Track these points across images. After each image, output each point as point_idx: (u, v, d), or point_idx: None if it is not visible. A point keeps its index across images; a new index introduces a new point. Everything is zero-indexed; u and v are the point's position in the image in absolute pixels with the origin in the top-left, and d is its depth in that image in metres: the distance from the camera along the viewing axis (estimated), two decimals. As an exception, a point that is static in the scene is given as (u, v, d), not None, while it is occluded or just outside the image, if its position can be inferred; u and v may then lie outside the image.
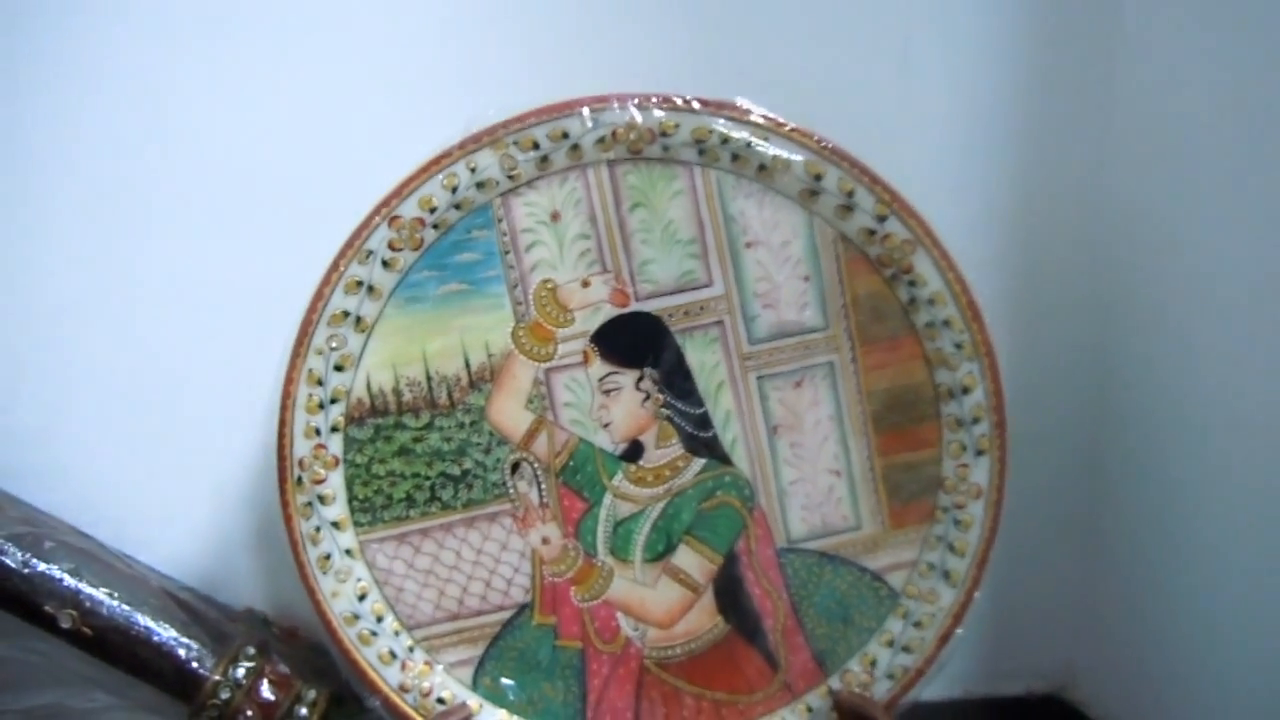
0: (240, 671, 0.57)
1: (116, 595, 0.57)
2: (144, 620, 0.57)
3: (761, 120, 0.49)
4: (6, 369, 0.60)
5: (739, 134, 0.49)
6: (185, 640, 0.57)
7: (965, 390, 0.51)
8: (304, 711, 0.58)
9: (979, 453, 0.51)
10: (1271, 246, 0.48)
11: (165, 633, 0.57)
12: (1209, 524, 0.54)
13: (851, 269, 0.51)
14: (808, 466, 0.53)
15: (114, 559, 0.60)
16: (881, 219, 0.50)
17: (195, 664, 0.57)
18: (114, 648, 0.57)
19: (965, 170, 0.58)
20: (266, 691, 0.58)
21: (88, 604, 0.56)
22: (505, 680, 0.53)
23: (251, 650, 0.58)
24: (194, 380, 0.61)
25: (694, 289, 0.52)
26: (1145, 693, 0.62)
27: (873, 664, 0.53)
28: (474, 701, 0.53)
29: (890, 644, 0.53)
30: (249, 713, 0.57)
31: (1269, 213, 0.48)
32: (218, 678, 0.57)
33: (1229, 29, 0.51)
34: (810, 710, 0.53)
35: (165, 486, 0.62)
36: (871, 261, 0.51)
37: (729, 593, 0.53)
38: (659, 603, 0.53)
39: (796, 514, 0.53)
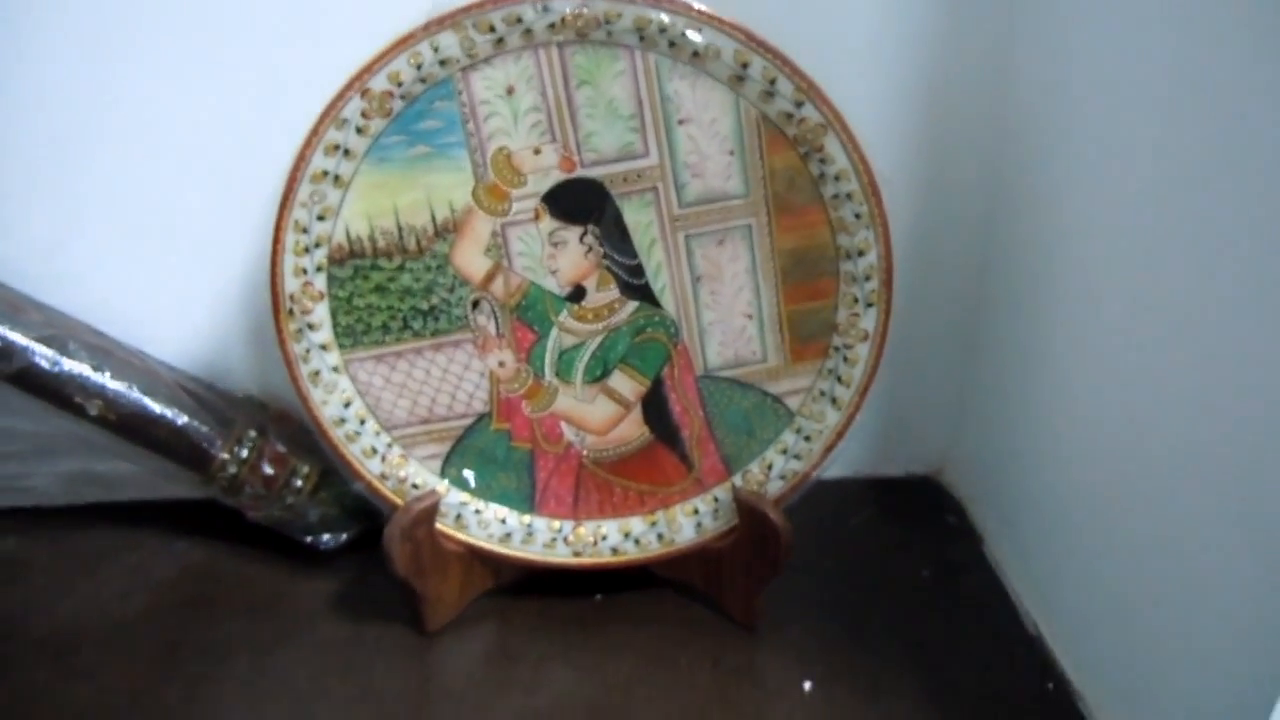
0: (244, 451, 0.75)
1: (134, 387, 0.74)
2: (159, 408, 0.74)
3: (696, 12, 0.60)
4: (22, 186, 0.73)
5: (676, 23, 0.60)
6: (195, 424, 0.75)
7: (860, 253, 0.66)
8: (299, 483, 0.77)
9: (869, 305, 0.67)
10: (1158, 139, 0.60)
11: (179, 419, 0.74)
12: (1065, 347, 0.71)
13: (771, 145, 0.64)
14: (724, 310, 0.68)
15: (129, 355, 0.76)
16: (799, 104, 0.62)
17: (205, 444, 0.75)
18: (135, 431, 0.74)
19: (879, 56, 0.70)
20: (267, 467, 0.76)
21: (110, 394, 0.73)
22: (467, 471, 0.71)
23: (253, 433, 0.76)
24: (195, 195, 0.75)
25: (632, 159, 0.65)
26: (1002, 479, 0.82)
27: (769, 467, 0.71)
28: (441, 486, 0.71)
29: (784, 452, 0.71)
30: (253, 484, 0.76)
31: (1157, 104, 0.60)
32: (225, 456, 0.75)
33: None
34: (717, 500, 0.73)
35: (171, 290, 0.78)
36: (789, 140, 0.64)
37: (654, 408, 0.71)
38: (596, 415, 0.71)
39: (714, 348, 0.69)
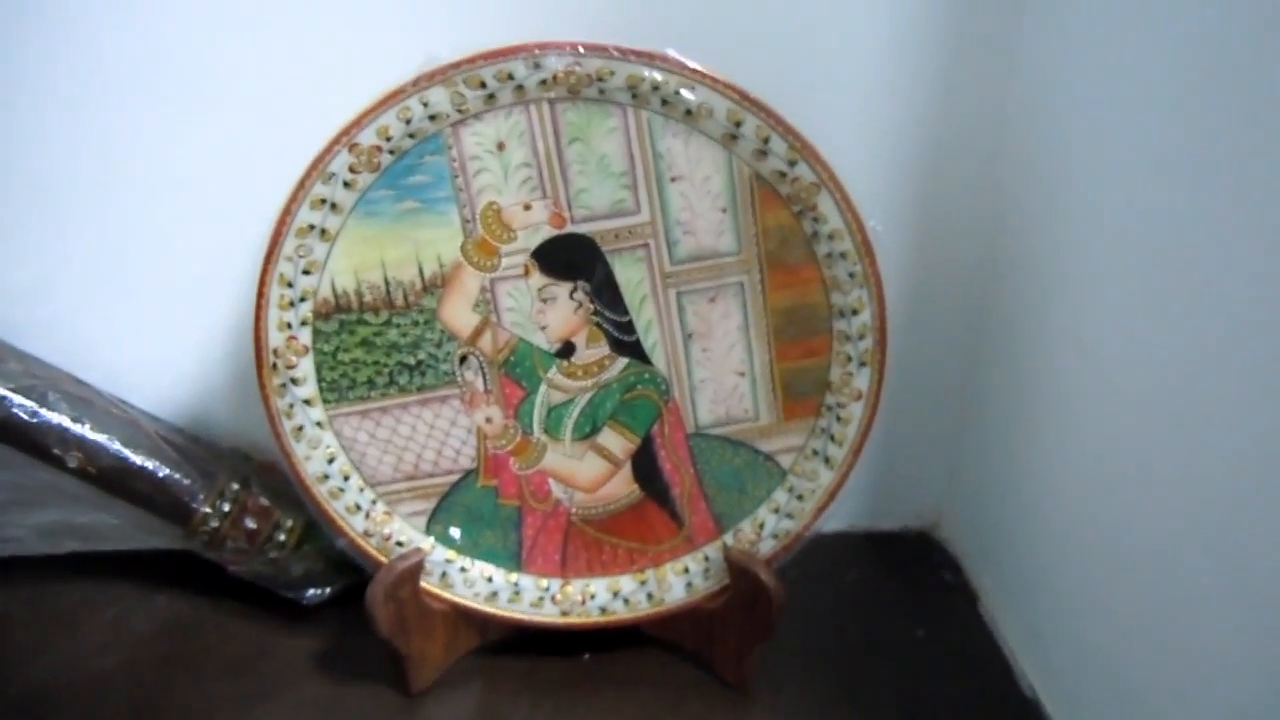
0: (226, 505, 0.74)
1: (114, 439, 0.73)
2: (139, 460, 0.73)
3: (689, 71, 0.59)
4: (3, 231, 0.72)
5: (669, 81, 0.60)
6: (176, 477, 0.74)
7: (854, 311, 0.65)
8: (282, 537, 0.76)
9: (862, 364, 0.66)
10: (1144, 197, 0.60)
11: (160, 471, 0.73)
12: (1059, 404, 0.70)
13: (764, 203, 0.64)
14: (716, 368, 0.67)
15: (110, 404, 0.75)
16: (792, 163, 0.62)
17: (186, 498, 0.74)
18: (115, 484, 0.73)
19: (872, 115, 0.70)
20: (249, 521, 0.75)
21: (90, 447, 0.72)
22: (453, 528, 0.70)
23: (235, 486, 0.75)
24: (180, 243, 0.75)
25: (623, 215, 0.64)
26: (996, 535, 0.81)
27: (761, 526, 0.70)
28: (426, 544, 0.70)
29: (776, 511, 0.70)
30: (234, 539, 0.74)
31: (1152, 169, 0.60)
32: (206, 509, 0.74)
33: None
34: (708, 559, 0.72)
35: (154, 339, 0.77)
36: (782, 198, 0.63)
37: (644, 466, 0.70)
38: (585, 473, 0.70)
39: (705, 406, 0.68)
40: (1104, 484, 0.67)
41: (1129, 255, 0.62)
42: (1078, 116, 0.65)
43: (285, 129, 0.65)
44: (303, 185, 0.61)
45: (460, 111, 0.61)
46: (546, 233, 0.65)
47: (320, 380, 0.67)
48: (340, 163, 0.61)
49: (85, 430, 0.72)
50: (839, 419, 0.68)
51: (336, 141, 0.61)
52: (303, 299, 0.65)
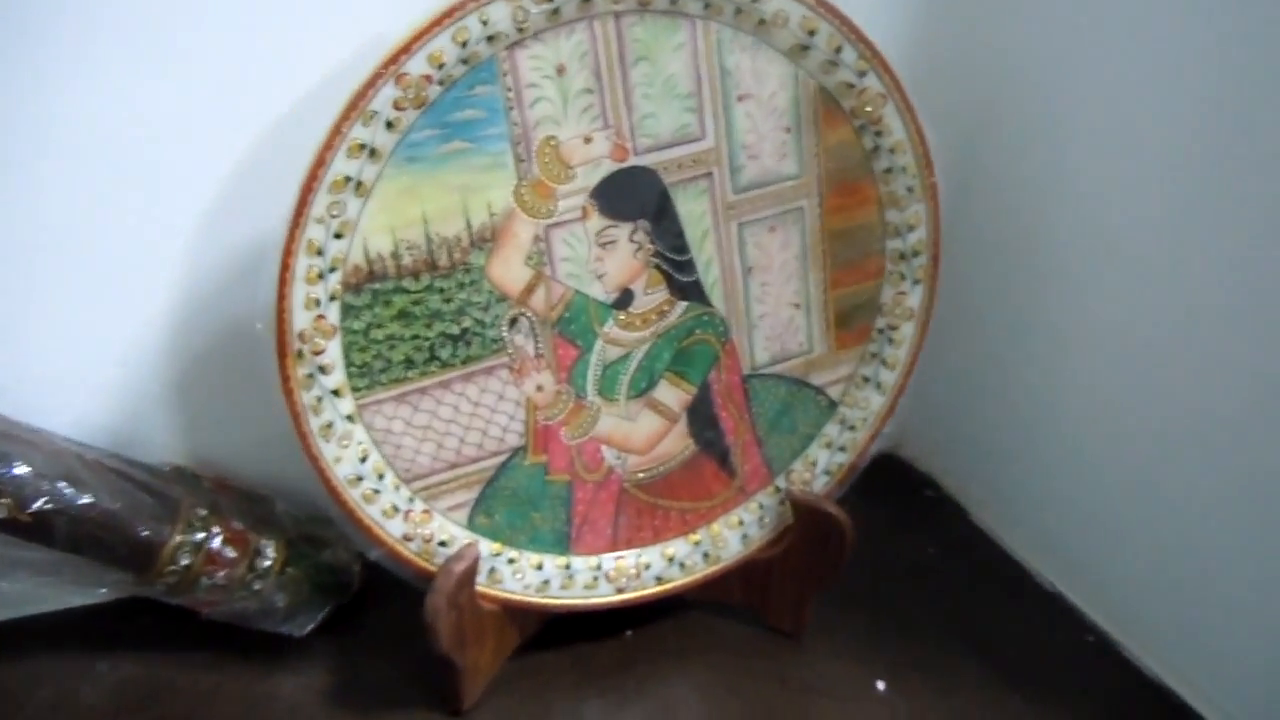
0: (197, 535, 0.62)
1: (45, 475, 0.58)
2: (82, 497, 0.59)
3: (766, -24, 0.55)
4: None
5: (745, -12, 0.55)
6: (129, 510, 0.60)
7: (911, 228, 0.64)
8: (266, 564, 0.64)
9: (916, 281, 0.65)
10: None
11: (108, 505, 0.59)
12: (1027, 330, 0.74)
13: (827, 120, 0.61)
14: (773, 301, 0.64)
15: (29, 435, 0.60)
16: (861, 74, 0.59)
17: (146, 533, 0.61)
18: (54, 530, 0.59)
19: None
20: (226, 550, 0.63)
21: (18, 490, 0.57)
22: (497, 518, 0.62)
23: (202, 511, 0.63)
24: (98, 214, 0.60)
25: (688, 142, 0.59)
26: (970, 446, 0.84)
27: (814, 464, 0.68)
28: (468, 538, 0.62)
29: (829, 446, 0.68)
30: (210, 574, 0.62)
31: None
32: (177, 540, 0.61)
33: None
34: (762, 507, 0.68)
35: (69, 349, 0.61)
36: (845, 113, 0.61)
37: (700, 417, 0.65)
38: (640, 433, 0.64)
39: (761, 344, 0.65)
40: (1072, 375, 0.71)
41: (1099, 154, 0.66)
42: (1076, 33, 0.67)
43: (240, 62, 0.54)
44: (339, 129, 0.51)
45: (520, 30, 0.53)
46: (606, 169, 0.58)
47: (349, 365, 0.56)
48: (384, 99, 0.51)
49: (10, 469, 0.57)
50: (890, 341, 0.67)
51: (382, 73, 0.51)
52: (332, 269, 0.54)
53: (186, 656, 0.66)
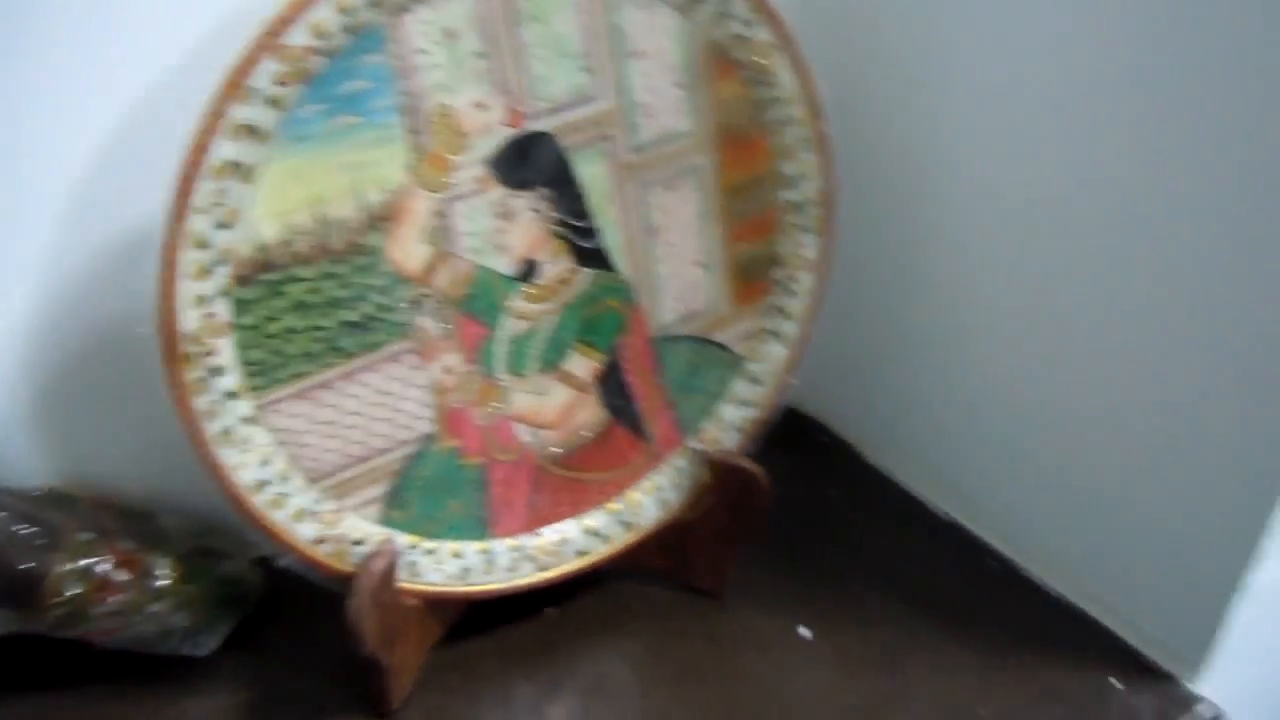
0: (83, 561, 0.56)
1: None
2: (-52, 535, 0.53)
3: (654, -73, 0.53)
4: None
5: (632, -59, 0.53)
6: (4, 542, 0.55)
7: (804, 178, 0.63)
8: (162, 584, 0.60)
9: (811, 232, 0.65)
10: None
11: (-19, 541, 0.53)
12: (911, 270, 0.76)
13: (719, 73, 0.59)
14: (676, 262, 0.63)
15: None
16: (751, 25, 0.58)
17: (27, 565, 0.55)
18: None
19: None
20: (118, 573, 0.58)
21: None
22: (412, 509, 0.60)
23: (86, 535, 0.58)
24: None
25: (584, 103, 0.57)
26: (856, 388, 0.85)
27: (724, 422, 0.68)
28: (382, 534, 0.59)
29: (737, 402, 0.68)
30: (101, 602, 0.57)
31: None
32: (62, 569, 0.56)
33: None
34: (677, 470, 0.68)
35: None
36: (735, 66, 0.60)
37: (610, 385, 0.64)
38: (552, 407, 0.62)
39: (668, 305, 0.64)
40: (962, 313, 0.74)
41: (981, 96, 0.67)
42: None
43: (87, 66, 0.50)
44: (218, 110, 0.46)
45: (404, -7, 0.50)
46: (502, 136, 0.55)
47: (245, 364, 0.52)
48: (265, 74, 0.47)
49: None
50: (790, 292, 0.67)
51: (261, 46, 0.46)
52: (220, 262, 0.50)
53: (82, 691, 0.60)
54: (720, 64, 0.60)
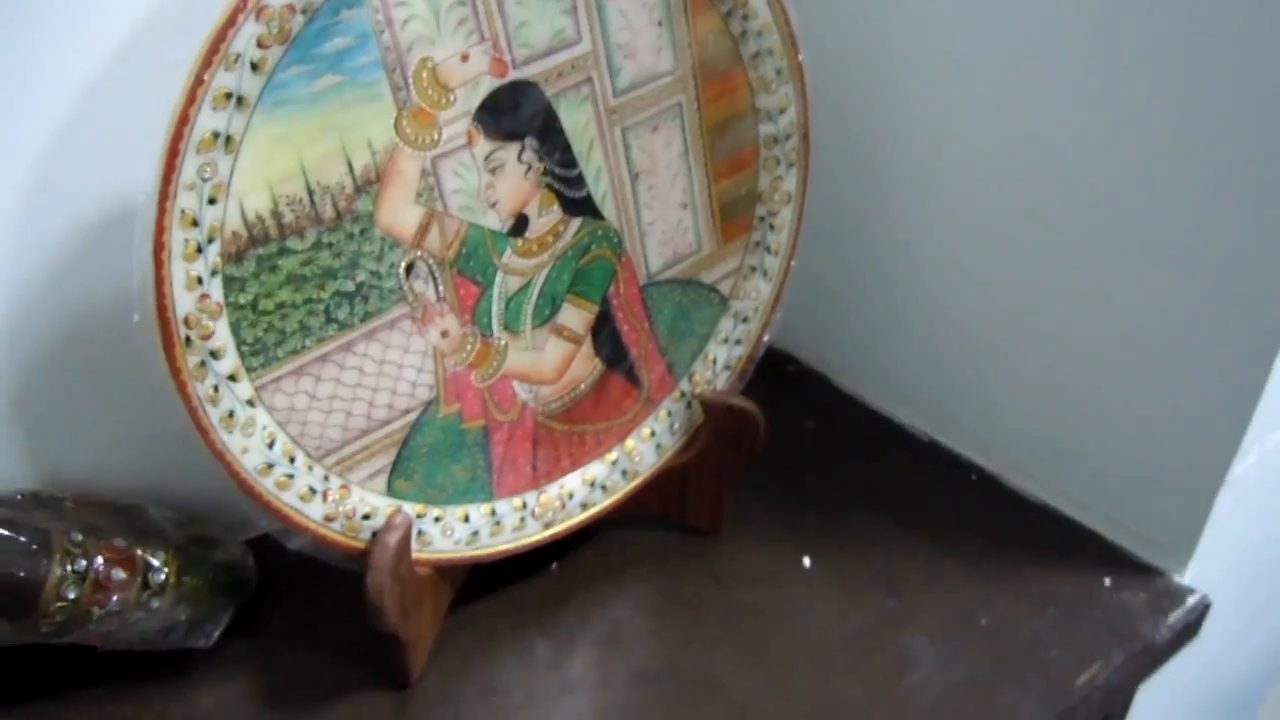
0: (81, 563, 0.54)
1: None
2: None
3: None
4: None
5: (607, -125, 0.51)
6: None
7: (781, 110, 0.63)
8: (160, 578, 0.58)
9: (790, 165, 0.64)
10: None
11: (-31, 554, 0.51)
12: (874, 195, 0.76)
13: (695, 8, 0.58)
14: (662, 205, 0.62)
15: None
16: (725, -44, 0.57)
17: (21, 573, 0.52)
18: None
19: None
20: (116, 572, 0.55)
21: None
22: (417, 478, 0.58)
23: (77, 535, 0.55)
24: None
25: (565, 48, 0.55)
26: (821, 316, 0.85)
27: (714, 361, 0.67)
28: (390, 506, 0.57)
29: (725, 341, 0.68)
30: (103, 603, 0.55)
31: None
32: (57, 573, 0.53)
33: None
34: (670, 414, 0.67)
35: None
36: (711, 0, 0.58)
37: (603, 335, 0.63)
38: (548, 361, 0.61)
39: (654, 250, 0.63)
40: (924, 234, 0.75)
41: (945, 19, 0.67)
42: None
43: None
44: (200, 78, 0.43)
45: (383, -57, 0.47)
46: (487, 86, 0.53)
47: (240, 344, 0.50)
48: (246, 37, 0.44)
49: None
50: (772, 227, 0.66)
51: (241, 6, 0.43)
52: (210, 239, 0.47)
53: (85, 695, 0.58)
54: (696, -1, 0.59)
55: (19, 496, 0.57)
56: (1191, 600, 0.68)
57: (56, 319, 0.57)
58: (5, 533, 0.53)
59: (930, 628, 0.66)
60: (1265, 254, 0.58)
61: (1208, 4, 0.54)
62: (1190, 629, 0.68)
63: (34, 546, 0.54)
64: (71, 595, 0.54)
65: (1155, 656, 0.67)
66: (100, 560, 0.56)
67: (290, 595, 0.66)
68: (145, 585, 0.57)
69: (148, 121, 0.47)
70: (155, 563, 0.58)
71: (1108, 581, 0.69)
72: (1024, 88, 0.65)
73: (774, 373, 0.90)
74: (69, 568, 0.54)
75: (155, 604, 0.57)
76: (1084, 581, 0.69)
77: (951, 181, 0.72)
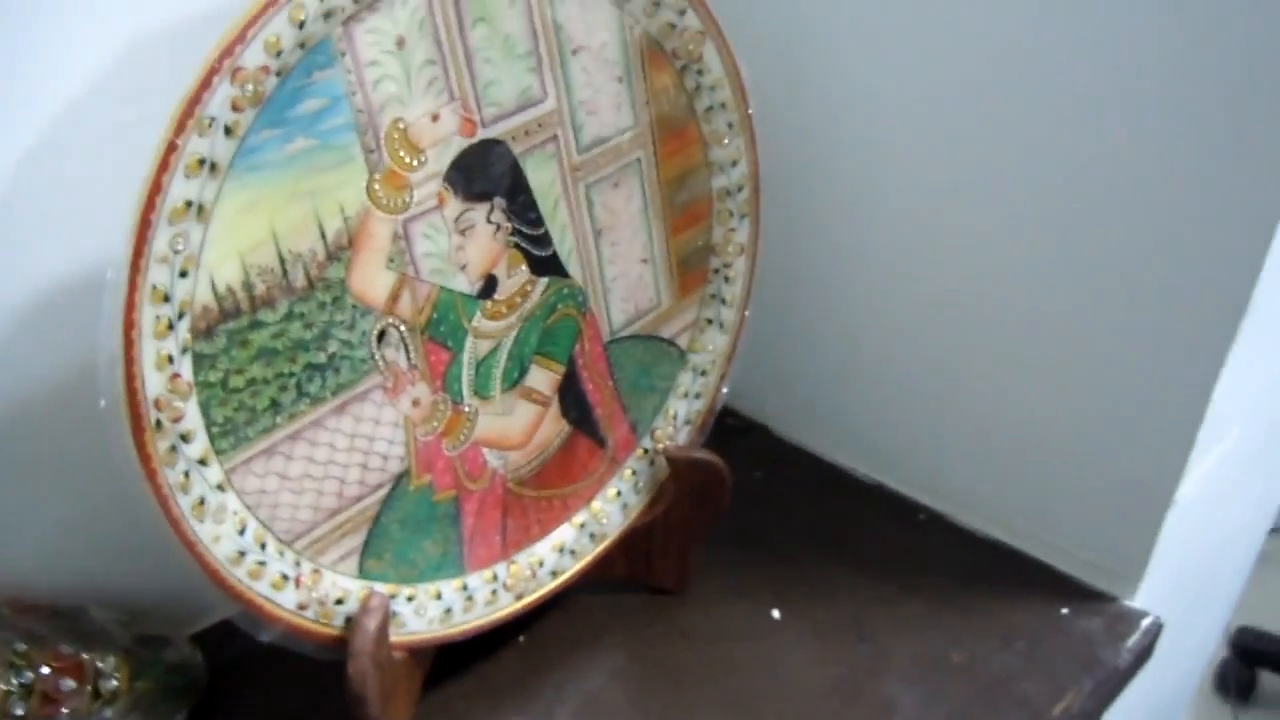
0: (27, 676, 0.49)
1: None
2: None
3: (589, -82, 0.51)
4: None
5: (570, -67, 0.51)
6: (-71, 674, 0.46)
7: (733, 163, 0.63)
8: (112, 685, 0.54)
9: (742, 216, 0.65)
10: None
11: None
12: (811, 244, 0.77)
13: (652, 64, 0.58)
14: (624, 261, 0.61)
15: None
16: (681, 12, 0.57)
17: (-42, 694, 0.47)
18: None
19: None
20: (64, 683, 0.51)
21: None
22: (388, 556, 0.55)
23: (20, 645, 0.50)
24: None
25: (531, 106, 0.54)
26: (759, 370, 0.85)
27: (674, 417, 0.67)
28: (363, 589, 0.54)
29: (685, 395, 0.67)
30: (55, 716, 0.50)
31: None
32: (2, 688, 0.48)
33: None
34: (634, 473, 0.66)
35: None
36: (667, 55, 0.58)
37: (570, 395, 0.61)
38: (518, 426, 0.59)
39: (618, 306, 0.62)
40: (858, 280, 0.76)
41: (873, 78, 0.69)
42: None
43: None
44: (174, 144, 0.41)
45: (356, 1, 0.45)
46: (457, 146, 0.51)
47: (210, 425, 0.46)
48: (220, 100, 0.42)
49: None
50: (726, 279, 0.66)
51: (216, 68, 0.41)
52: (180, 315, 0.44)
53: (28, 826, 0.53)
54: (653, 55, 0.58)
55: (-53, 606, 0.52)
56: (1145, 623, 0.69)
57: (-11, 407, 0.52)
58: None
59: (905, 670, 0.66)
60: (1202, 274, 0.60)
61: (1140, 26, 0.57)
62: (1146, 651, 0.70)
63: (-30, 662, 0.49)
64: (19, 712, 0.49)
65: (1120, 681, 0.68)
66: (46, 670, 0.51)
67: (243, 693, 0.62)
68: (96, 694, 0.53)
69: (95, 191, 0.44)
70: (105, 668, 0.53)
71: (1065, 610, 0.70)
72: (954, 127, 0.66)
73: (716, 426, 0.90)
74: (14, 681, 0.49)
75: (108, 714, 0.53)
76: (1043, 612, 0.70)
77: (882, 223, 0.73)
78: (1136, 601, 0.70)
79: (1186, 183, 0.59)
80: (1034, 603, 0.71)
